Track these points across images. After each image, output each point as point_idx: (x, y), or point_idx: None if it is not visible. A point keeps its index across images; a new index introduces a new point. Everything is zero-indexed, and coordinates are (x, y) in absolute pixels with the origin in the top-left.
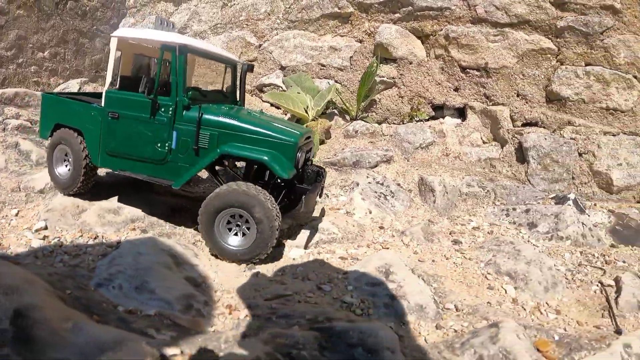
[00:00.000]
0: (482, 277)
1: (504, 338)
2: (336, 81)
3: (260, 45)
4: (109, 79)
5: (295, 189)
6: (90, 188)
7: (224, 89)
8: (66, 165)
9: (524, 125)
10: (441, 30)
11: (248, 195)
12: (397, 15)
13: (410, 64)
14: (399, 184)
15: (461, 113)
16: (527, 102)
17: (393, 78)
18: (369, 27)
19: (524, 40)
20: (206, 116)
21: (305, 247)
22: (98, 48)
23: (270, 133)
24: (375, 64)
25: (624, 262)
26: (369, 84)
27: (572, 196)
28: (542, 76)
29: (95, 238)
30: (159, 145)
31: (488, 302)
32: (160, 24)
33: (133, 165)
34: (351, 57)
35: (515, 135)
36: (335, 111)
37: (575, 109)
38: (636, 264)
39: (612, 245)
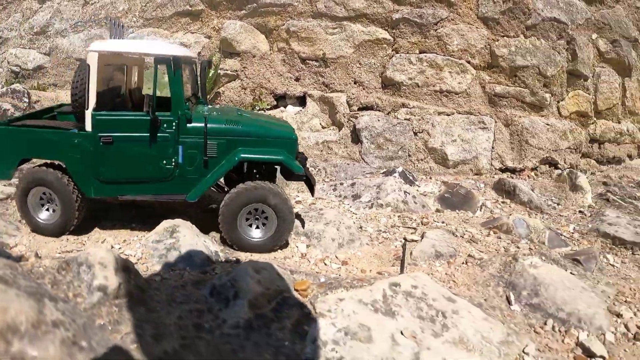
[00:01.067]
0: None
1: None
2: None
3: None
4: (92, 99)
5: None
6: None
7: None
8: (48, 209)
9: (360, 109)
10: (283, 24)
11: (265, 189)
12: (243, 11)
13: (254, 57)
14: None
15: (302, 101)
16: (363, 89)
17: (236, 71)
18: (217, 23)
19: (360, 31)
20: (212, 125)
21: None
22: None
23: (276, 134)
24: (214, 58)
25: (442, 222)
26: (213, 78)
27: (399, 169)
28: (378, 64)
29: None
30: (164, 162)
31: (284, 257)
32: (115, 26)
33: (136, 188)
34: (199, 52)
35: (351, 119)
36: None
37: (409, 93)
38: (454, 224)
39: (437, 210)
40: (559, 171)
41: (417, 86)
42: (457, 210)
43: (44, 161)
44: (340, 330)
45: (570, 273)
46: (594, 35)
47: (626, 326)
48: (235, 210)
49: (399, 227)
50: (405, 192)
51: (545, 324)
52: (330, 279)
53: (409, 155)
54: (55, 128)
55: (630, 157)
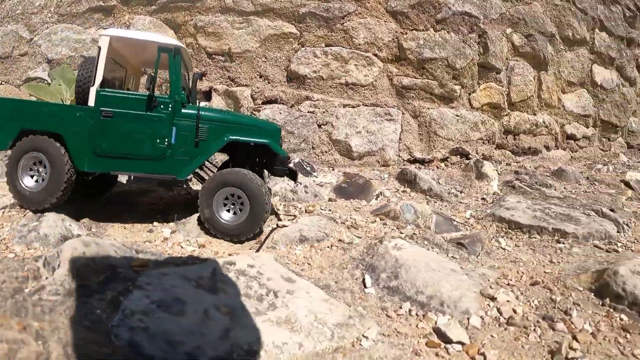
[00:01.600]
0: (146, 225)
1: None
2: None
3: (31, 40)
4: (99, 77)
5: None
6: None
7: None
8: (33, 177)
9: (264, 103)
10: (192, 20)
11: (240, 174)
12: (153, 7)
13: None
14: None
15: (208, 96)
16: (268, 82)
17: None
18: (129, 19)
19: (267, 26)
20: (203, 113)
21: None
22: None
23: (262, 124)
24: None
25: (329, 210)
26: None
27: (296, 160)
28: (284, 58)
29: None
30: (158, 141)
31: (146, 241)
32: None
33: (128, 165)
34: None
35: (254, 112)
36: None
37: (314, 86)
38: (342, 212)
39: (330, 200)
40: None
41: (322, 79)
42: (351, 200)
43: None
44: (153, 303)
45: (452, 257)
46: (509, 30)
47: (499, 310)
48: (211, 192)
49: (279, 214)
50: (297, 182)
51: (400, 307)
52: (173, 258)
53: (313, 148)
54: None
55: (547, 148)
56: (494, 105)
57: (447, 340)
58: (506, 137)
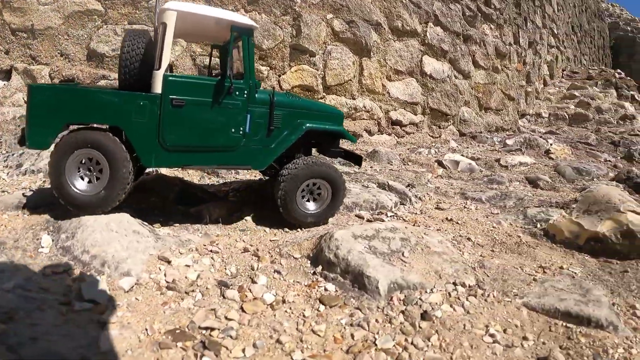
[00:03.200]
0: None
1: None
2: None
3: None
4: (166, 60)
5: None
6: None
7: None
8: (84, 178)
9: (61, 82)
10: None
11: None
12: None
13: None
14: None
15: (9, 75)
16: (69, 61)
17: None
18: None
19: (72, 2)
20: (277, 98)
21: None
22: None
23: (329, 109)
24: None
25: None
26: None
27: None
28: (86, 36)
29: None
30: (233, 130)
31: None
32: None
33: (201, 158)
34: None
35: None
36: None
37: (112, 64)
38: None
39: None
40: None
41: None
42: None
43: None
44: None
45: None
46: (330, 15)
47: (165, 274)
48: (297, 185)
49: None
50: None
51: (61, 266)
52: None
53: None
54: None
55: (369, 132)
56: (307, 87)
57: (81, 299)
58: None
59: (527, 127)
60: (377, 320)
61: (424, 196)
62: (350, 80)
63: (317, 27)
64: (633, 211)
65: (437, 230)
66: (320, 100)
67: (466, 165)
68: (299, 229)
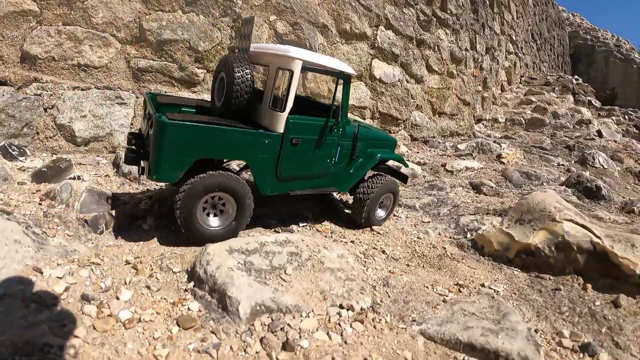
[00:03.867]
0: None
1: None
2: None
3: None
4: (290, 104)
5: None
6: None
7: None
8: (212, 214)
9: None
10: None
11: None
12: None
13: None
14: None
15: None
16: (3, 63)
17: None
18: None
19: (7, 2)
20: (360, 132)
21: None
22: None
23: (387, 138)
24: None
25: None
26: None
27: (1, 144)
28: (20, 37)
29: None
30: (328, 160)
31: None
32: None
33: (303, 184)
34: None
35: None
36: None
37: (45, 67)
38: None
39: (19, 183)
40: None
41: (54, 60)
42: (44, 183)
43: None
44: None
45: (68, 234)
46: (273, 17)
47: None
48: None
49: None
50: None
51: None
52: None
53: (37, 133)
54: (236, 127)
55: None
56: None
57: None
58: None
59: (482, 132)
60: (231, 348)
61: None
62: None
63: (259, 29)
64: (570, 220)
65: (351, 242)
66: None
67: (409, 171)
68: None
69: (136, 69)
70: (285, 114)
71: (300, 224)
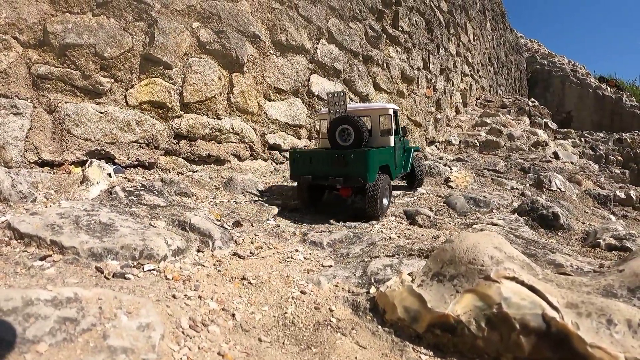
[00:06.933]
0: None
1: None
2: None
3: None
4: (396, 131)
5: None
6: None
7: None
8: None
9: None
10: None
11: None
12: None
13: None
14: None
15: None
16: None
17: None
18: None
19: None
20: (410, 145)
21: None
22: None
23: (416, 147)
24: None
25: None
26: None
27: None
28: None
29: None
30: (402, 156)
31: None
32: (336, 97)
33: (396, 174)
34: None
35: None
36: None
37: None
38: None
39: None
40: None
41: None
42: None
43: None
44: None
45: None
46: (196, 24)
47: None
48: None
49: None
50: None
51: None
52: None
53: None
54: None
55: (239, 157)
56: (159, 104)
57: None
58: (178, 143)
59: (435, 155)
60: None
61: (246, 238)
62: (215, 97)
63: (178, 36)
64: (513, 279)
65: (197, 297)
66: (176, 119)
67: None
68: None
69: (36, 75)
70: (393, 137)
71: (146, 268)
